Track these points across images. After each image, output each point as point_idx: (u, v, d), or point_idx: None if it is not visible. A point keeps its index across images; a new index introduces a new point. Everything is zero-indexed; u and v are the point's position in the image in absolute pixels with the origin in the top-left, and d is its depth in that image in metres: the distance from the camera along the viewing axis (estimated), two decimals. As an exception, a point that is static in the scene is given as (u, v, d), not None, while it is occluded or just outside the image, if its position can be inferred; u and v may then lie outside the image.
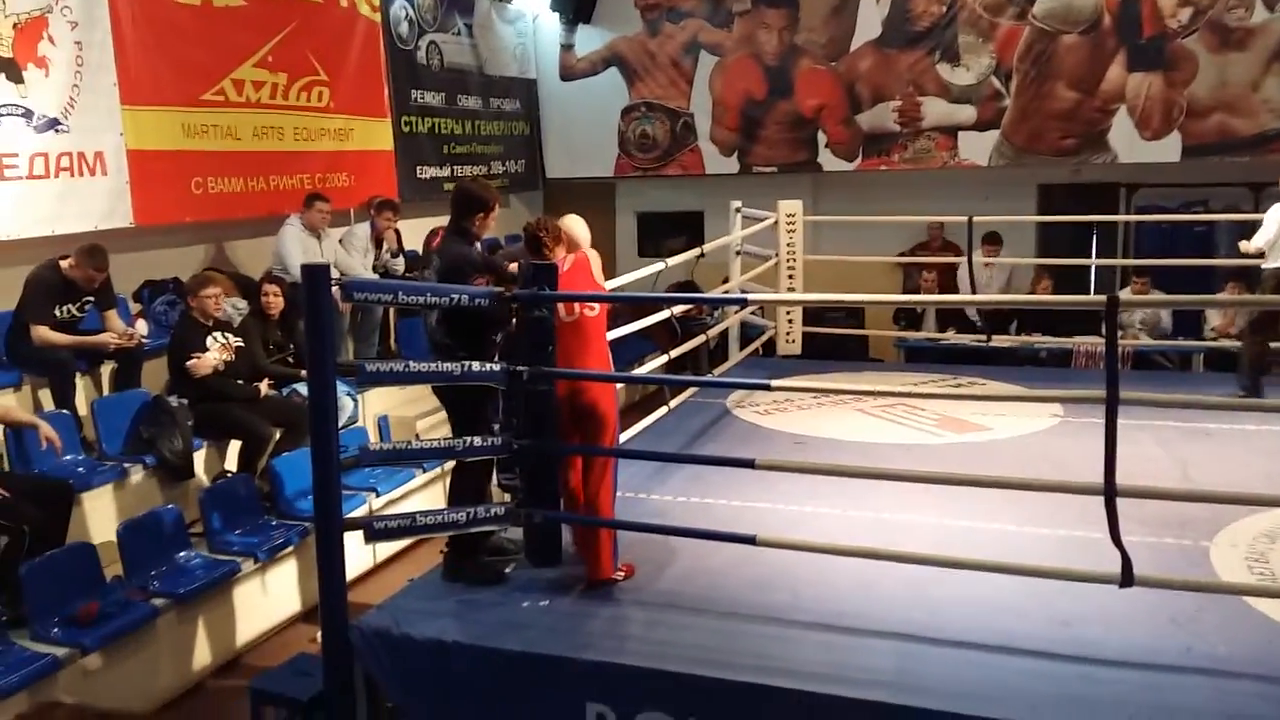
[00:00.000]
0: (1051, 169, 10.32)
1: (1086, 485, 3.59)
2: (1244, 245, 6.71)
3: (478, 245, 4.44)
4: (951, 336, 9.25)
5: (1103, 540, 3.50)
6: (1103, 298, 3.53)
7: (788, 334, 8.40)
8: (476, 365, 3.94)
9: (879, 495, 4.85)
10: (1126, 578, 3.46)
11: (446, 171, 10.02)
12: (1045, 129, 10.02)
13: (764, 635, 3.75)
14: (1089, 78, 9.79)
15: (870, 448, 5.88)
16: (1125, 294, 8.45)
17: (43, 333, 5.61)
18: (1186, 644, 3.58)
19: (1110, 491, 3.41)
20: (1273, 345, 6.63)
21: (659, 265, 6.38)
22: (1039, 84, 9.97)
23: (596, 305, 4.23)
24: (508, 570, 4.29)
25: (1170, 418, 5.87)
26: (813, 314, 8.95)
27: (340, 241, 7.65)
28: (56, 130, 6.11)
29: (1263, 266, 6.51)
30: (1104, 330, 3.49)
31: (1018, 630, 3.67)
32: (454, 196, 4.62)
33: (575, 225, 4.39)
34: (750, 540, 3.90)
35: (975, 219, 8.24)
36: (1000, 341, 8.68)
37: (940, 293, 9.44)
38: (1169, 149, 9.62)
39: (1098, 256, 10.31)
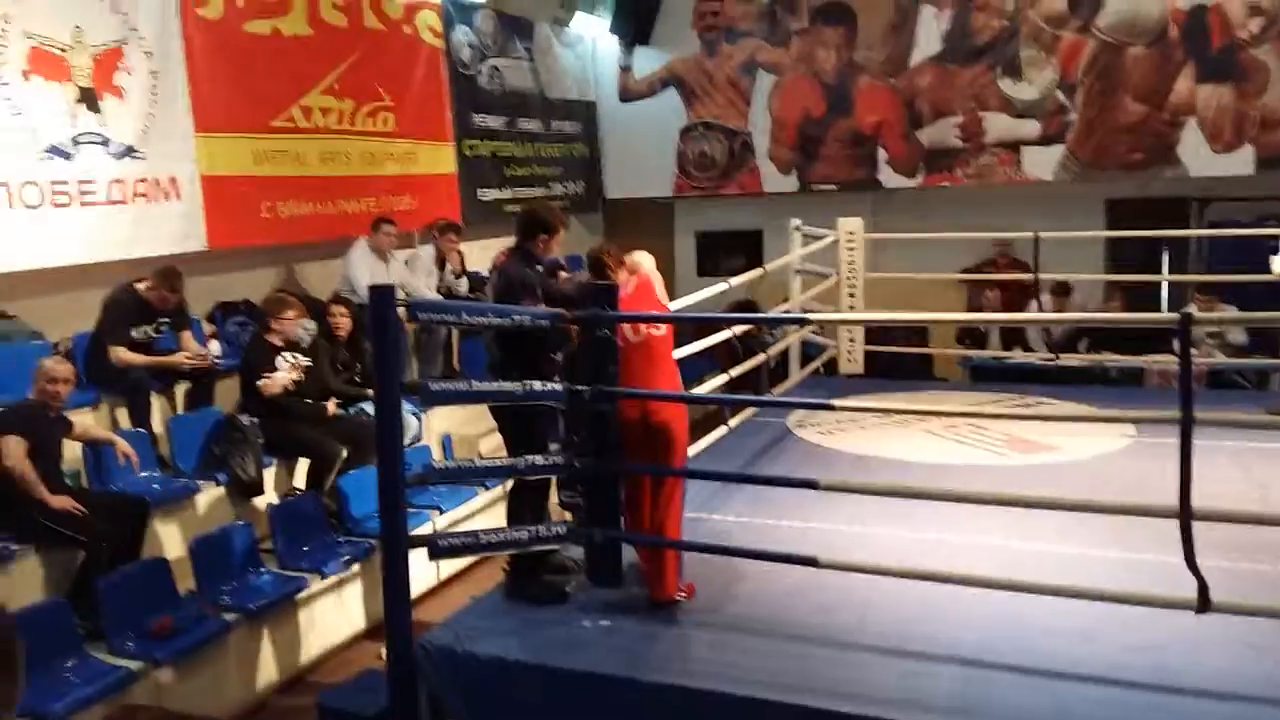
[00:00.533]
0: (1119, 184, 10.12)
1: (1160, 507, 3.50)
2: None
3: (539, 266, 4.49)
4: (1018, 355, 9.08)
5: (1177, 565, 3.40)
6: (1176, 315, 3.45)
7: (849, 353, 8.33)
8: (538, 385, 3.97)
9: (945, 517, 4.77)
10: (1203, 603, 3.36)
11: (507, 193, 10.15)
12: (1112, 143, 9.84)
13: (830, 659, 3.71)
14: (1156, 90, 9.61)
15: (935, 469, 5.80)
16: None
17: (120, 353, 5.78)
18: (1266, 672, 3.46)
19: (1185, 514, 3.32)
20: None
21: (722, 286, 6.38)
22: (1105, 97, 9.80)
23: (663, 326, 4.25)
24: (569, 589, 4.30)
25: (1248, 438, 5.71)
26: (875, 333, 8.85)
27: (406, 263, 7.78)
28: (133, 157, 6.31)
29: None
30: (1178, 348, 3.41)
31: (1089, 656, 3.58)
32: (519, 218, 4.68)
33: (642, 260, 4.41)
34: (813, 562, 3.87)
35: (1042, 235, 8.09)
36: (1069, 360, 8.51)
37: (1005, 310, 9.28)
38: (1242, 162, 9.39)
39: (1169, 273, 10.07)
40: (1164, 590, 3.54)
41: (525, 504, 4.37)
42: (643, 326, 4.16)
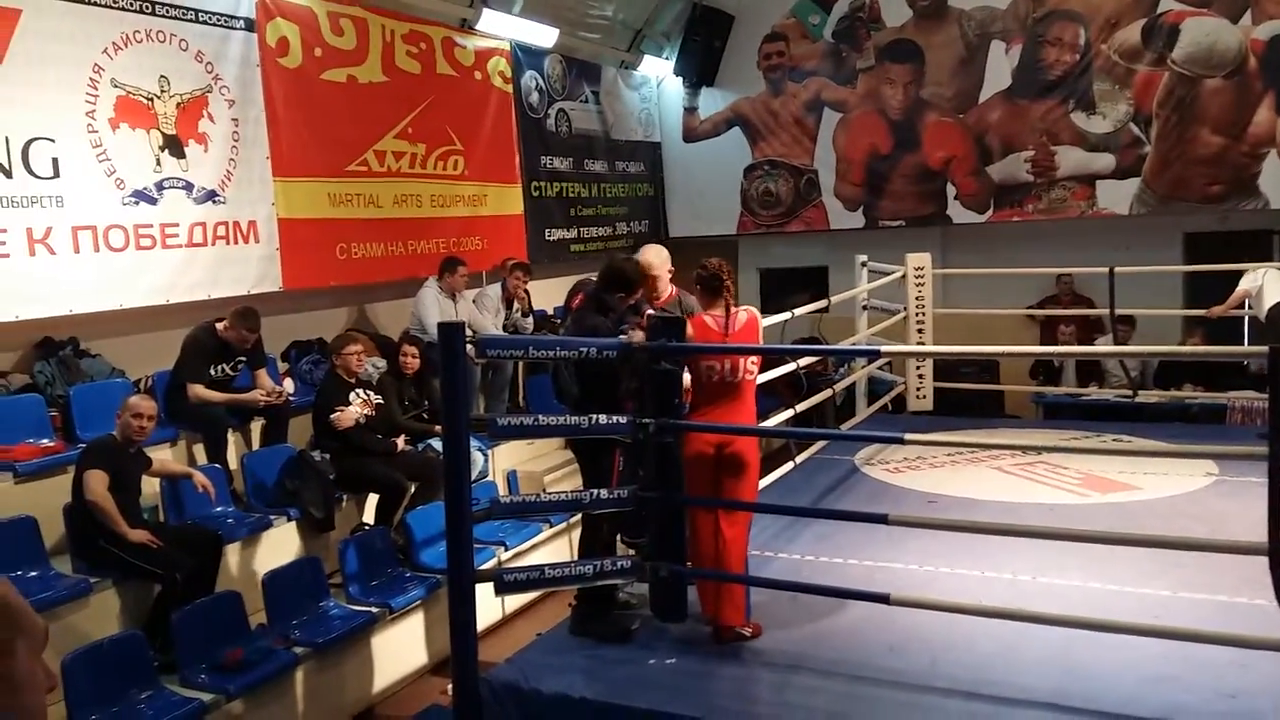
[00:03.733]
0: (1198, 216, 9.85)
1: (1248, 545, 3.34)
2: None
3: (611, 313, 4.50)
4: (1094, 391, 8.83)
5: (1268, 607, 3.23)
6: (1264, 348, 3.31)
7: (918, 389, 8.18)
8: (604, 418, 3.95)
9: (1018, 557, 4.63)
10: (1299, 646, 3.18)
11: (573, 233, 10.26)
12: (1190, 175, 9.60)
13: (900, 702, 3.60)
14: (1235, 122, 9.37)
15: (1009, 507, 5.63)
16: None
17: (198, 391, 5.92)
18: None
19: (1276, 550, 3.15)
20: None
21: (785, 315, 6.30)
22: (1181, 130, 9.58)
23: (755, 369, 4.24)
24: (634, 627, 4.25)
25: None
26: (944, 369, 8.69)
27: (474, 301, 7.87)
28: (214, 201, 6.51)
29: None
30: (1268, 382, 3.26)
31: (1178, 702, 3.42)
32: (604, 270, 4.61)
33: (652, 255, 4.37)
34: (884, 599, 3.77)
35: (1117, 270, 7.89)
36: (1147, 397, 8.25)
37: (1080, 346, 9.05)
38: (1327, 193, 9.08)
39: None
40: (1257, 632, 3.37)
41: (596, 537, 4.34)
42: (741, 368, 4.14)
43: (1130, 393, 8.11)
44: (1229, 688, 3.48)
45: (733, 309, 4.24)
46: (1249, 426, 7.52)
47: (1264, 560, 3.20)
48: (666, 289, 4.82)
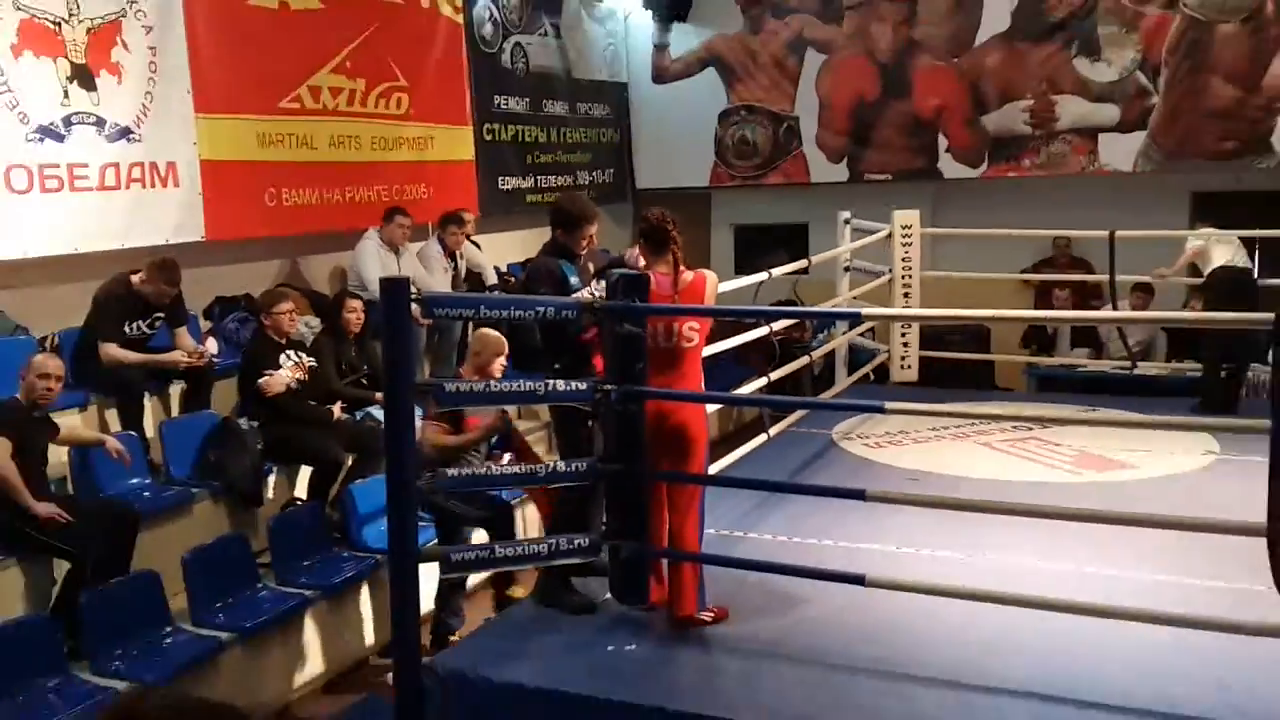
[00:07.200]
0: (1208, 175, 10.00)
1: (1247, 525, 3.44)
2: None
3: (583, 260, 4.53)
4: (1089, 363, 8.98)
5: (1268, 594, 3.34)
6: (1270, 315, 3.39)
7: (903, 358, 8.28)
8: (561, 384, 3.98)
9: (1005, 538, 4.73)
10: (1296, 631, 3.30)
11: (530, 182, 10.20)
12: (1200, 130, 9.73)
13: (877, 691, 3.68)
14: (1251, 72, 9.49)
15: (997, 485, 5.72)
16: None
17: (111, 350, 5.86)
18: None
19: (1275, 531, 3.26)
20: None
21: (761, 276, 6.34)
22: (1192, 79, 9.70)
23: (696, 335, 4.23)
24: (605, 598, 4.29)
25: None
26: (931, 337, 8.79)
27: (418, 255, 7.83)
28: (129, 140, 6.41)
29: None
30: (1270, 354, 3.35)
31: (1171, 692, 3.54)
32: (551, 213, 4.71)
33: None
34: (859, 580, 3.84)
35: (1119, 233, 8.00)
36: (1147, 369, 8.41)
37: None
38: (1348, 152, 9.25)
39: (1262, 274, 9.91)
40: (1252, 619, 3.48)
41: (565, 512, 4.40)
42: (675, 332, 4.15)
43: (1129, 365, 8.26)
44: (1223, 677, 3.60)
45: (681, 267, 4.23)
46: (1254, 401, 7.70)
47: (1263, 543, 3.31)
48: None
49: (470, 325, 7.87)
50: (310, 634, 5.46)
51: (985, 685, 3.65)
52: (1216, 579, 4.29)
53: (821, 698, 3.65)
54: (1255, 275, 7.67)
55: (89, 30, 6.18)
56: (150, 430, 6.04)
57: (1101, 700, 3.51)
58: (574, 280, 4.42)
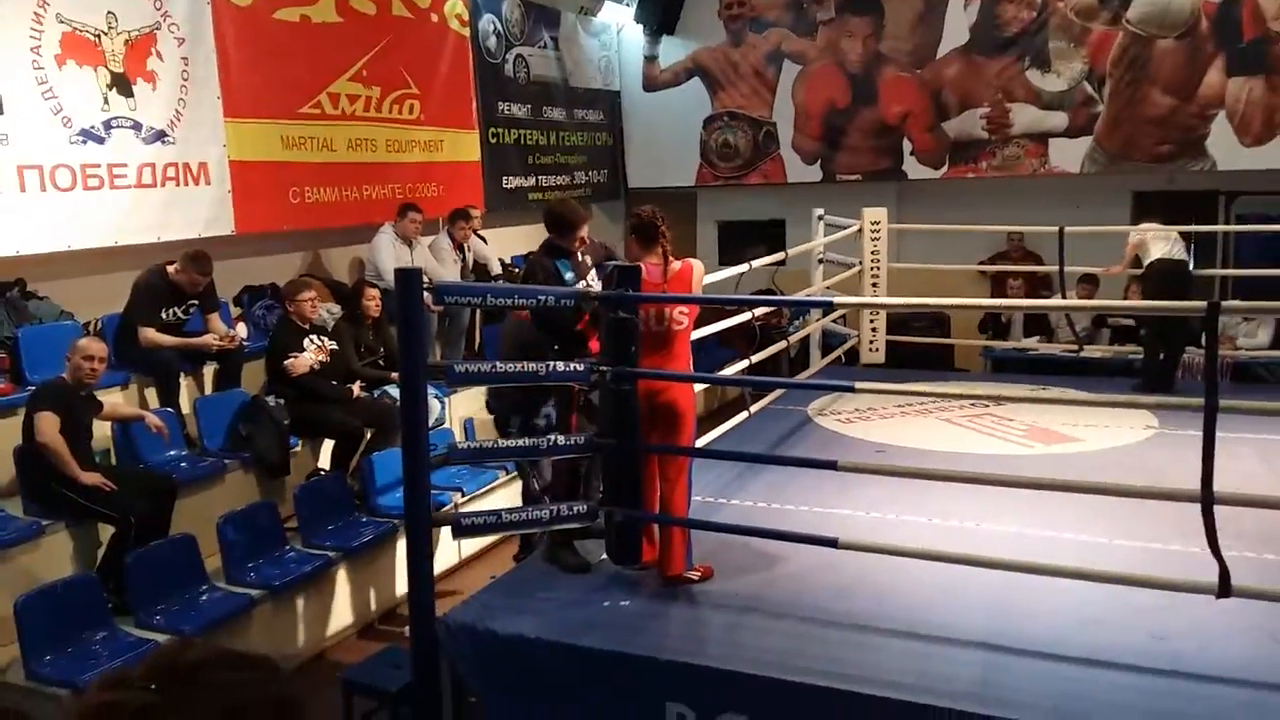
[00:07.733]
0: (1147, 176, 10.03)
1: (1182, 491, 3.48)
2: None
3: (580, 257, 4.55)
4: (1040, 346, 9.02)
5: (1199, 554, 3.38)
6: (1203, 304, 3.42)
7: (871, 342, 8.31)
8: (561, 365, 3.99)
9: (963, 504, 4.77)
10: (1224, 588, 3.34)
11: (531, 181, 10.18)
12: (1140, 135, 9.76)
13: (847, 642, 3.72)
14: (1186, 83, 9.52)
15: (955, 457, 5.76)
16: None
17: (149, 334, 5.85)
18: (1288, 660, 3.45)
19: (1208, 498, 3.30)
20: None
21: (743, 267, 6.36)
22: (1134, 89, 9.72)
23: (685, 319, 4.25)
24: (601, 559, 4.33)
25: (1272, 431, 5.65)
26: (897, 323, 8.83)
27: (429, 247, 7.83)
28: (163, 142, 6.38)
29: None
30: (1203, 338, 3.39)
31: (1108, 643, 3.57)
32: (544, 216, 4.74)
33: None
34: (832, 543, 3.87)
35: (1067, 229, 8.04)
36: (1092, 352, 8.46)
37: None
38: (1272, 155, 9.28)
39: (1195, 267, 9.94)
40: (1186, 578, 3.52)
41: (561, 482, 4.43)
42: (667, 317, 4.16)
43: (1076, 348, 8.30)
44: (1157, 629, 3.64)
45: (670, 258, 4.25)
46: (1189, 382, 7.75)
47: (1197, 508, 3.35)
48: None
49: (478, 312, 7.93)
50: (334, 590, 5.49)
51: (943, 636, 3.69)
52: (1154, 541, 4.34)
53: (797, 646, 3.68)
54: (1190, 266, 7.70)
55: (126, 41, 6.15)
56: (186, 407, 6.04)
57: (1044, 649, 3.55)
58: (569, 275, 4.46)
